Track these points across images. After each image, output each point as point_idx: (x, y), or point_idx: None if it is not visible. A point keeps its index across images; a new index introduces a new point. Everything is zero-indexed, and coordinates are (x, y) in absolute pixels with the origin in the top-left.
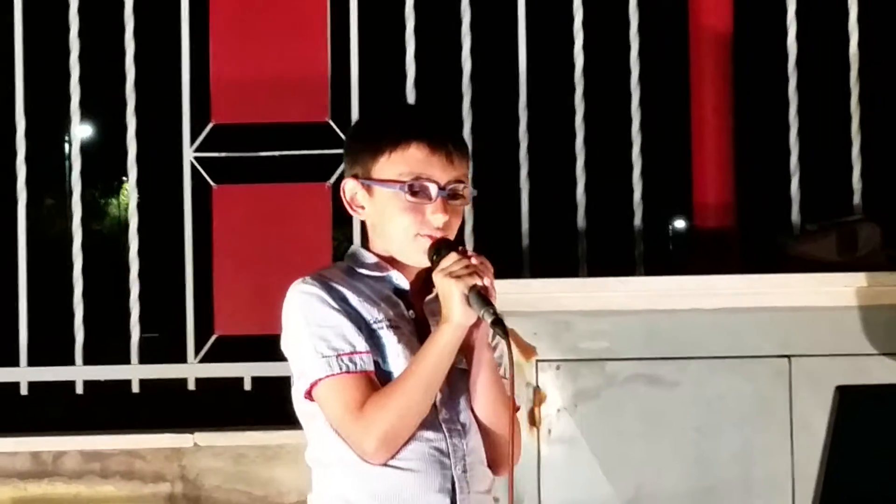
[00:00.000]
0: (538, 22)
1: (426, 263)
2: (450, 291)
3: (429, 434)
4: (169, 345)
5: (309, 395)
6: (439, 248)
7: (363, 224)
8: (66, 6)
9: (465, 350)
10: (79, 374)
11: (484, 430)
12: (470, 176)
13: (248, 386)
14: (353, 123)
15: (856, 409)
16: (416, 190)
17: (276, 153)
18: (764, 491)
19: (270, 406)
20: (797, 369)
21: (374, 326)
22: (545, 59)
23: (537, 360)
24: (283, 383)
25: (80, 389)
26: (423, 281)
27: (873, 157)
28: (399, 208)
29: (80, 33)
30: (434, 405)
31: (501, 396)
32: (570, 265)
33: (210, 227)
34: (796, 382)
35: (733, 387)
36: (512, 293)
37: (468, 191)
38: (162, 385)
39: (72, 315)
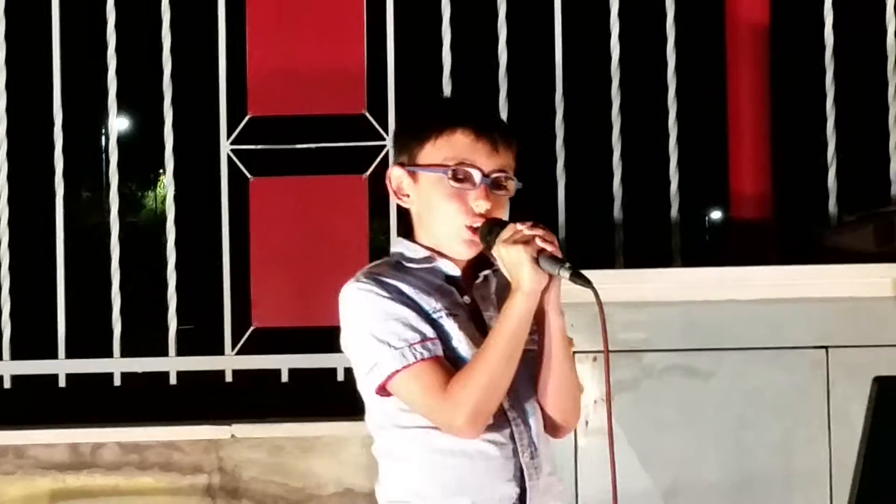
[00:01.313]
0: (575, 13)
1: (467, 255)
2: (518, 258)
3: (494, 422)
4: (206, 337)
5: (382, 389)
6: (492, 226)
7: (408, 215)
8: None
9: (536, 317)
10: (116, 365)
11: (550, 398)
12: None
13: (284, 378)
14: (399, 114)
15: (893, 399)
16: (459, 176)
17: (313, 145)
18: (801, 482)
19: (307, 398)
20: (834, 360)
21: (434, 316)
22: (582, 50)
23: (574, 352)
24: (320, 375)
25: (117, 381)
26: (472, 269)
27: None
28: (443, 194)
29: (117, 26)
30: None
31: (570, 362)
32: (606, 257)
33: (247, 219)
34: (834, 373)
35: (771, 378)
36: None
37: (512, 182)
38: (199, 377)
39: (109, 307)
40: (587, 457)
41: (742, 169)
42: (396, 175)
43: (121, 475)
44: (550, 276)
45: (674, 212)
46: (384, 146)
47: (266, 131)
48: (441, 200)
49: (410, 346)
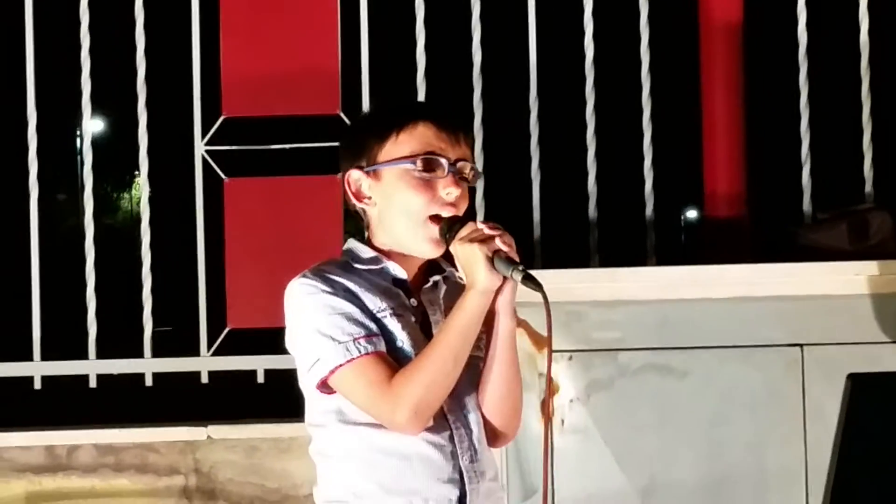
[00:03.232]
0: (549, 13)
1: (431, 254)
2: (473, 256)
3: (434, 424)
4: (181, 338)
5: (323, 384)
6: (452, 224)
7: (357, 221)
8: (77, 1)
9: (487, 319)
10: (92, 367)
11: (493, 404)
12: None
13: (260, 379)
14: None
15: (868, 397)
16: (427, 164)
17: (287, 146)
18: (777, 480)
19: (283, 399)
20: (809, 358)
21: (379, 315)
22: (556, 50)
23: (554, 351)
24: (295, 376)
25: (93, 383)
26: (423, 274)
27: (884, 145)
28: (410, 186)
29: (91, 27)
30: None
31: (515, 368)
32: (581, 255)
33: (222, 220)
34: (808, 371)
35: (745, 376)
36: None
37: (474, 172)
38: (175, 378)
39: (85, 309)
40: (563, 456)
41: (716, 167)
42: (355, 178)
43: (97, 477)
44: (505, 278)
45: (648, 210)
46: None
47: (240, 132)
48: (408, 193)
49: (354, 340)
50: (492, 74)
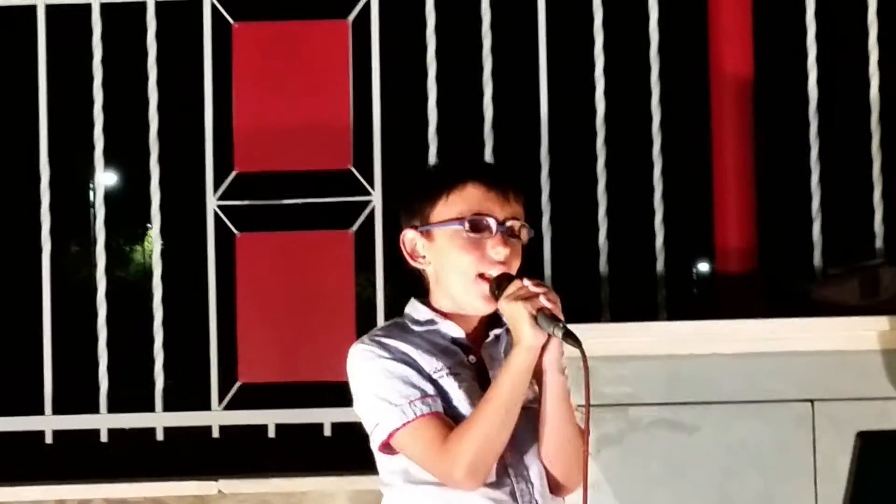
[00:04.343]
0: (560, 68)
1: (485, 310)
2: (518, 313)
3: (496, 480)
4: (192, 392)
5: (386, 446)
6: (501, 281)
7: (420, 280)
8: (91, 55)
9: (537, 375)
10: (103, 422)
11: (552, 457)
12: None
13: (271, 433)
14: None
15: (877, 454)
16: (475, 226)
17: (299, 201)
18: None
19: (294, 453)
20: (820, 414)
21: (435, 376)
22: (567, 105)
23: None
24: (307, 430)
25: (104, 437)
26: (485, 328)
27: (895, 200)
28: (459, 247)
29: (104, 82)
30: None
31: (572, 422)
32: (592, 310)
33: (234, 274)
34: (819, 427)
35: (756, 432)
36: None
37: (525, 230)
38: (186, 432)
39: (96, 362)
40: None
41: (727, 222)
42: (410, 238)
43: None
44: (549, 335)
45: (659, 265)
46: (370, 201)
47: (252, 187)
48: (458, 253)
49: (410, 402)
50: (503, 129)
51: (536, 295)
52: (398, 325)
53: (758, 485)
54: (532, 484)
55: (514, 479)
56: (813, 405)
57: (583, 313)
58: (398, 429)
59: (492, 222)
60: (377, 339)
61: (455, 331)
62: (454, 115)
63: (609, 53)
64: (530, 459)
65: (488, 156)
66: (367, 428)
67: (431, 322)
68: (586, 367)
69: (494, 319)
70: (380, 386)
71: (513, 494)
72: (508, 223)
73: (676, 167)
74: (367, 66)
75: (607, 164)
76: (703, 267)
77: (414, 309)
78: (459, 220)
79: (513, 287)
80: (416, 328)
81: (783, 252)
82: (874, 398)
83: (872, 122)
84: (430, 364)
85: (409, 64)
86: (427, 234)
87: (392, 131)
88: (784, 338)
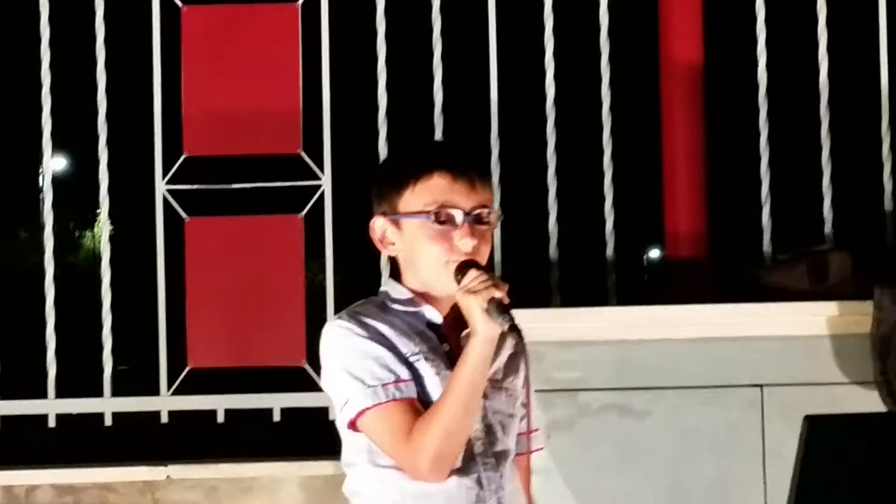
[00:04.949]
0: (509, 51)
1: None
2: (470, 306)
3: (462, 466)
4: (141, 377)
5: (353, 425)
6: (463, 269)
7: (394, 260)
8: (38, 39)
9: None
10: (51, 407)
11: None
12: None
13: (220, 418)
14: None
15: (824, 438)
16: (441, 218)
17: (249, 185)
18: None
19: (243, 438)
20: (769, 399)
21: (412, 359)
22: (516, 88)
23: None
24: (256, 416)
25: (52, 423)
26: (458, 314)
27: (843, 186)
28: (427, 238)
29: (52, 65)
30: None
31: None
32: (542, 295)
33: (183, 259)
34: (769, 412)
35: (706, 416)
36: None
37: (494, 216)
38: (135, 418)
39: (44, 348)
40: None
41: (677, 208)
42: (379, 225)
43: None
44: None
45: (609, 251)
46: (320, 185)
47: (201, 171)
48: (425, 244)
49: (384, 385)
50: (453, 114)
51: (488, 287)
52: (376, 303)
53: (709, 469)
54: (500, 471)
55: (480, 466)
56: (762, 390)
57: (533, 298)
58: (368, 408)
59: (458, 214)
60: (357, 316)
61: (435, 316)
62: (404, 100)
63: (559, 38)
64: (500, 447)
65: (437, 139)
66: (337, 404)
67: (412, 303)
68: (528, 364)
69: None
70: (355, 365)
71: (479, 481)
72: (475, 212)
73: (626, 152)
74: (317, 50)
75: (557, 149)
76: (653, 254)
77: (392, 288)
78: (425, 212)
79: (467, 279)
80: (396, 307)
81: (733, 238)
82: (823, 383)
83: (821, 108)
84: (407, 346)
85: (358, 48)
86: (395, 223)
87: (341, 116)
88: (734, 323)
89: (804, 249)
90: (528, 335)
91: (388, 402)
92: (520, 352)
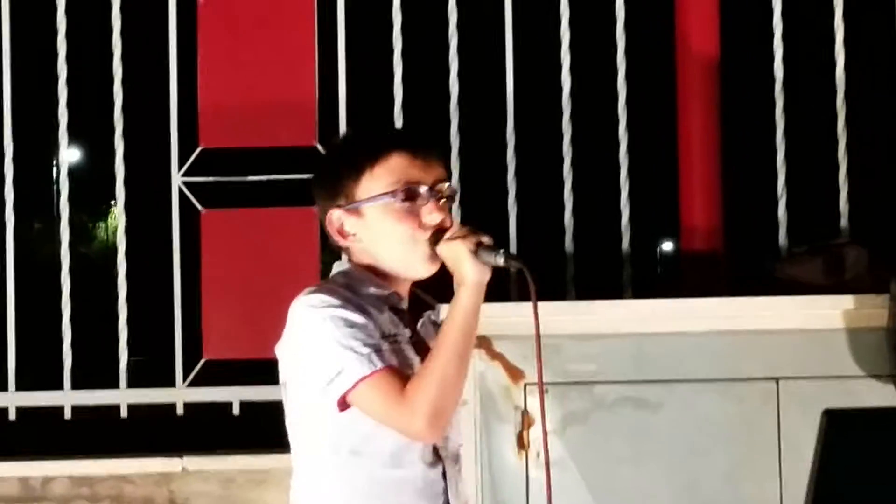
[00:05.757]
0: (526, 46)
1: (426, 272)
2: (458, 252)
3: (432, 460)
4: (157, 369)
5: (343, 399)
6: (438, 234)
7: (347, 253)
8: (55, 31)
9: None
10: (67, 398)
11: None
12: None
13: (236, 410)
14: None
15: (843, 432)
16: (407, 196)
17: (264, 177)
18: None
19: (259, 430)
20: (785, 392)
21: (384, 339)
22: (532, 82)
23: (525, 384)
24: (272, 407)
25: (68, 414)
26: (413, 304)
27: (860, 180)
28: (395, 218)
29: (69, 57)
30: None
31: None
32: (558, 288)
33: (198, 251)
34: (784, 405)
35: (721, 409)
36: (500, 317)
37: (451, 188)
38: (150, 409)
39: (60, 339)
40: (539, 489)
41: (693, 201)
42: (336, 217)
43: None
44: (493, 269)
45: (625, 244)
46: None
47: (217, 163)
48: (393, 224)
49: (376, 351)
50: (470, 105)
51: (473, 232)
52: (340, 283)
53: (723, 462)
54: (458, 464)
55: (444, 461)
56: (778, 383)
57: (548, 291)
58: (366, 377)
59: (423, 190)
60: (329, 288)
61: (402, 302)
62: (420, 92)
63: (575, 31)
64: (454, 437)
65: (454, 134)
66: (325, 378)
67: (381, 286)
68: (533, 293)
69: (418, 303)
70: (343, 334)
71: (444, 475)
72: (437, 187)
73: (642, 145)
74: (334, 41)
75: (572, 142)
76: (668, 247)
77: (351, 271)
78: (391, 193)
79: (448, 233)
80: (364, 290)
81: (748, 231)
82: (838, 377)
83: (838, 101)
84: (382, 324)
85: (374, 40)
86: (355, 212)
87: (358, 107)
88: (750, 316)
89: (820, 243)
90: (544, 328)
91: (381, 369)
92: (530, 281)
